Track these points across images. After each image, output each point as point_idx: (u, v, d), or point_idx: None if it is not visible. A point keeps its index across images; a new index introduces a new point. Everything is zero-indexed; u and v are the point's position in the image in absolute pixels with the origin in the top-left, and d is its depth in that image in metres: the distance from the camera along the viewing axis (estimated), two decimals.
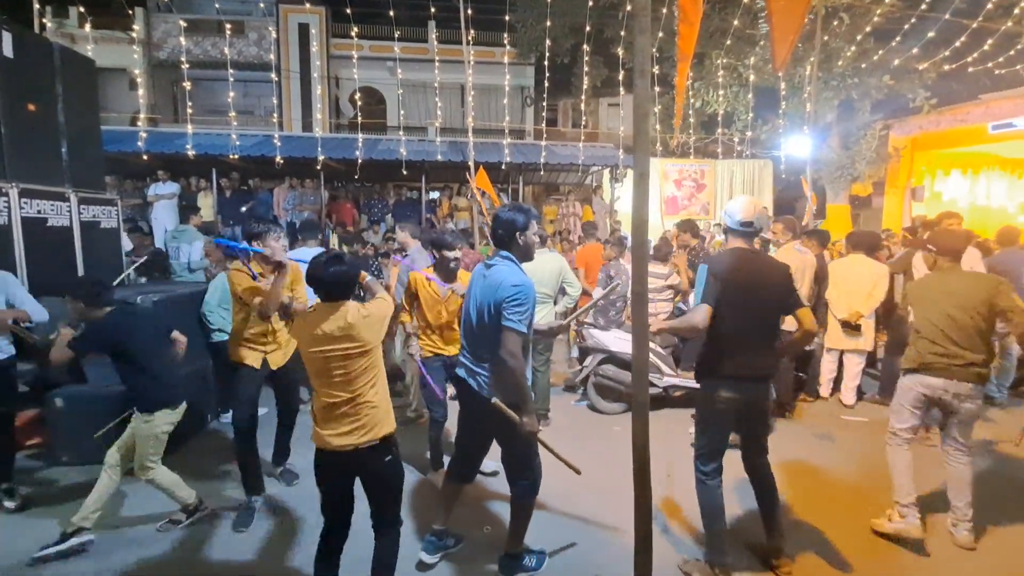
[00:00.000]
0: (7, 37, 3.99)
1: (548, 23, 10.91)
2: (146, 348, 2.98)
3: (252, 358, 3.28)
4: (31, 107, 4.22)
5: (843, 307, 4.89)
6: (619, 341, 4.76)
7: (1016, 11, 8.36)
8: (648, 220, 2.11)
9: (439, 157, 10.28)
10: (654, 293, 4.90)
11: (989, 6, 8.09)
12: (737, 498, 3.14)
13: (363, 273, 2.49)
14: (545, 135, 11.61)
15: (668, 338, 4.95)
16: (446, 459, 3.44)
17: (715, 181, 11.55)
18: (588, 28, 10.33)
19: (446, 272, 3.42)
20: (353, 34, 11.04)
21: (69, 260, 4.46)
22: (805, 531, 3.04)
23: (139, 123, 11.78)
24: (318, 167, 9.52)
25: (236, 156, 9.52)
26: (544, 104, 13.97)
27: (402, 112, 13.69)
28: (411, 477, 3.70)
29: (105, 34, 14.44)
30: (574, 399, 5.29)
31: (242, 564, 2.80)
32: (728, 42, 10.50)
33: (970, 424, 2.96)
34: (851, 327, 4.90)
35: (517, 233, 2.48)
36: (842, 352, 5.08)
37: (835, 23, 9.71)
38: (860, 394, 5.20)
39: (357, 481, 2.30)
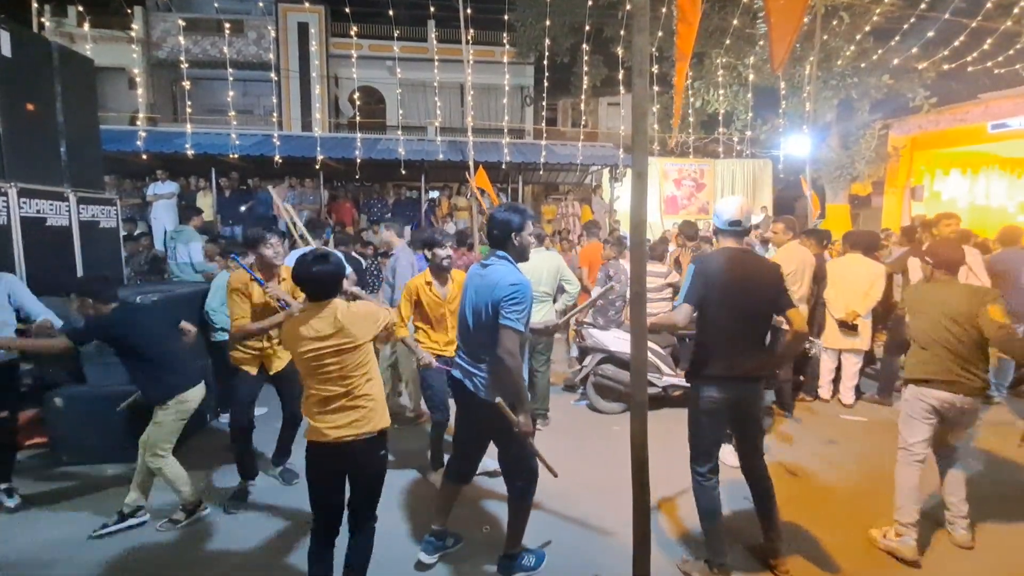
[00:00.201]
0: (6, 36, 3.99)
1: (548, 22, 10.92)
2: (150, 341, 3.01)
3: (249, 363, 3.30)
4: (30, 106, 4.22)
5: (840, 307, 4.89)
6: (618, 341, 4.76)
7: (1015, 11, 8.36)
8: (647, 220, 2.11)
9: (440, 157, 10.28)
10: (653, 292, 4.90)
11: (988, 6, 8.09)
12: (736, 498, 3.15)
13: (353, 289, 2.59)
14: (545, 134, 11.62)
15: (667, 338, 4.95)
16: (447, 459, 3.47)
17: (715, 181, 11.56)
18: (588, 27, 10.34)
19: (439, 270, 3.44)
20: (352, 33, 11.05)
21: (68, 260, 4.46)
22: (804, 531, 3.04)
23: (138, 122, 11.77)
24: (317, 167, 9.52)
25: (235, 155, 9.51)
26: (544, 103, 13.97)
27: (401, 112, 13.69)
28: (411, 477, 3.71)
29: (104, 33, 14.44)
30: (573, 399, 5.29)
31: (242, 562, 2.80)
32: (727, 41, 10.50)
33: (967, 434, 2.96)
34: (848, 327, 4.91)
35: (513, 233, 2.48)
36: (840, 352, 5.08)
37: (834, 22, 9.72)
38: (859, 393, 5.21)
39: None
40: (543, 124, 12.87)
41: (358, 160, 9.53)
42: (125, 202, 8.36)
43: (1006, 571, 2.78)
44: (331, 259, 2.21)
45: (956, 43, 8.87)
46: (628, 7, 8.29)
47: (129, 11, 13.86)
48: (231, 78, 10.79)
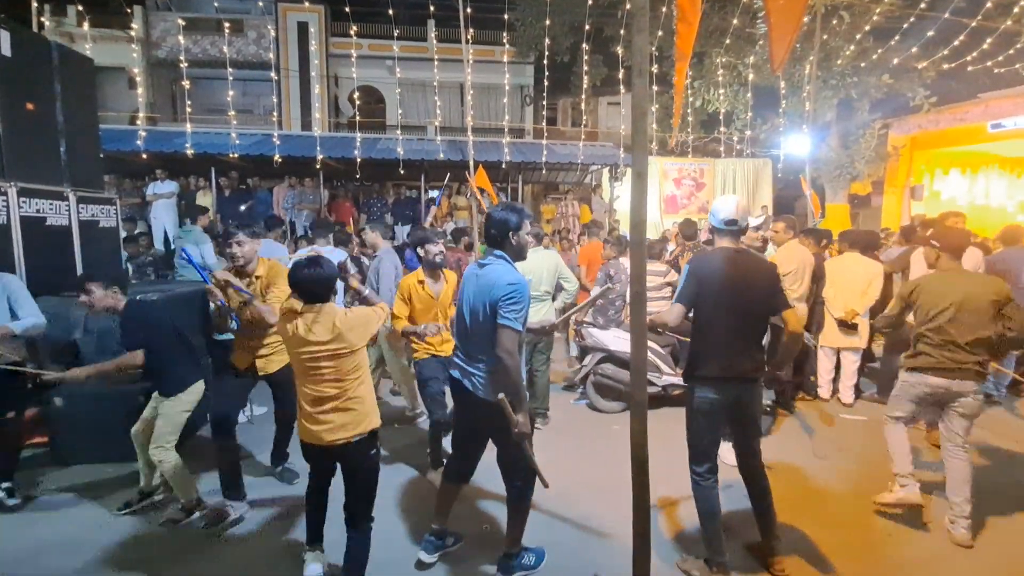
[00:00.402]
0: (5, 36, 3.98)
1: (547, 22, 10.93)
2: (168, 333, 3.12)
3: (240, 359, 3.25)
4: (29, 106, 4.21)
5: (839, 305, 4.89)
6: (618, 340, 4.76)
7: (1015, 10, 8.36)
8: (647, 219, 2.11)
9: (440, 156, 10.27)
10: (653, 291, 4.90)
11: (988, 5, 8.10)
12: (735, 498, 3.15)
13: (354, 283, 2.69)
14: (545, 134, 11.61)
15: (667, 337, 4.96)
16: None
17: (715, 180, 11.56)
18: (587, 27, 10.34)
19: (431, 267, 3.48)
20: (352, 33, 11.04)
21: (68, 259, 4.45)
22: (803, 530, 3.04)
23: (138, 122, 11.77)
24: (317, 166, 9.52)
25: (235, 155, 9.51)
26: (544, 103, 13.97)
27: (401, 111, 13.67)
28: (411, 476, 3.71)
29: (103, 32, 14.44)
30: (573, 398, 5.30)
31: (243, 561, 2.80)
32: (727, 41, 10.50)
33: (970, 419, 3.00)
34: (847, 326, 4.91)
35: (510, 232, 2.48)
36: (839, 350, 5.08)
37: (834, 22, 9.72)
38: (858, 393, 5.21)
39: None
40: (543, 123, 12.86)
41: (358, 160, 9.53)
42: (125, 202, 8.36)
43: (1005, 571, 2.79)
44: (323, 265, 2.32)
45: (956, 43, 8.87)
46: (628, 7, 8.29)
47: (129, 10, 13.86)
48: (231, 77, 10.79)
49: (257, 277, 3.17)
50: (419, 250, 3.51)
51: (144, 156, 9.32)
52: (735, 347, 2.56)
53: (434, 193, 11.82)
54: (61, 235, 4.40)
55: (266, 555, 2.85)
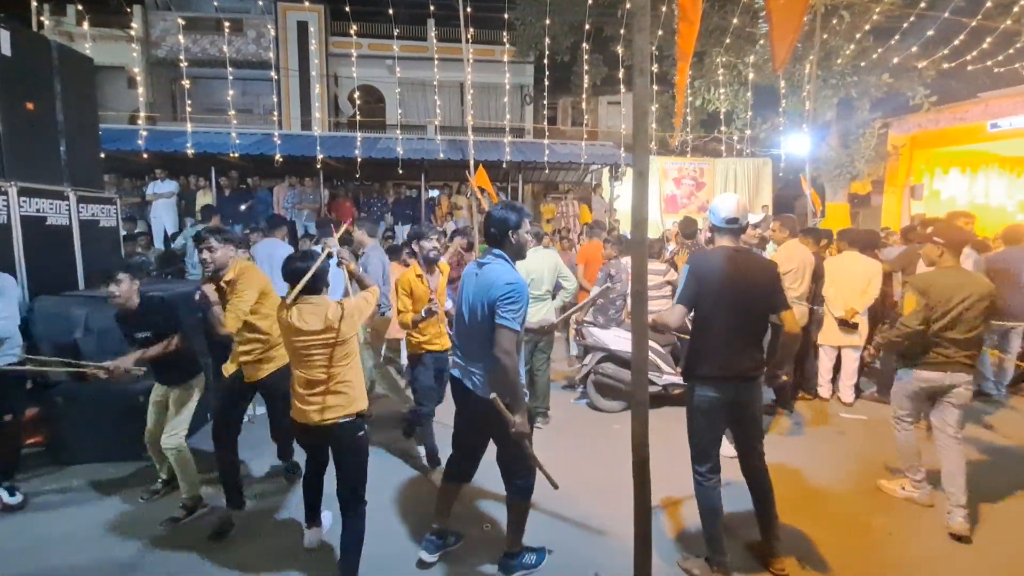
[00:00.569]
0: (5, 35, 3.98)
1: (547, 21, 10.91)
2: (183, 324, 3.23)
3: (227, 366, 3.20)
4: (29, 105, 4.21)
5: (839, 304, 4.90)
6: (618, 339, 4.76)
7: (1015, 9, 8.36)
8: (648, 219, 2.11)
9: (440, 156, 10.27)
10: (653, 290, 4.90)
11: (988, 4, 8.09)
12: (736, 498, 3.15)
13: (351, 266, 2.87)
14: (546, 133, 11.61)
15: (667, 336, 4.96)
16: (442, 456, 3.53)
17: (715, 180, 11.55)
18: (587, 26, 10.33)
19: (428, 263, 3.64)
20: (352, 32, 11.03)
21: (68, 259, 4.45)
22: (803, 530, 3.05)
23: (139, 121, 11.75)
24: (317, 166, 9.51)
25: (235, 155, 9.50)
26: (544, 102, 13.96)
27: (401, 111, 13.66)
28: (411, 476, 3.71)
29: (103, 32, 14.42)
30: (573, 397, 5.30)
31: (245, 559, 2.81)
32: (727, 40, 10.49)
33: (962, 409, 3.09)
34: (848, 324, 4.92)
35: (510, 232, 2.48)
36: (839, 349, 5.09)
37: (834, 21, 9.72)
38: (858, 392, 5.21)
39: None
40: (544, 123, 12.86)
41: (358, 159, 9.53)
42: (124, 201, 8.35)
43: (1006, 569, 2.79)
44: (314, 259, 2.52)
45: (956, 42, 8.87)
46: (628, 6, 8.29)
47: (128, 10, 13.84)
48: (230, 77, 10.78)
49: (227, 282, 3.01)
50: (414, 246, 3.69)
51: (146, 156, 9.30)
52: (735, 346, 2.55)
53: (434, 192, 11.83)
54: (61, 235, 4.40)
55: (267, 555, 2.85)
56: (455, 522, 2.88)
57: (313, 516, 2.89)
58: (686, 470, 2.72)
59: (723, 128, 12.17)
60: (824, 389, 5.21)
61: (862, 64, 10.17)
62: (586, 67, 10.72)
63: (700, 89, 11.80)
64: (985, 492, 3.35)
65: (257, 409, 4.57)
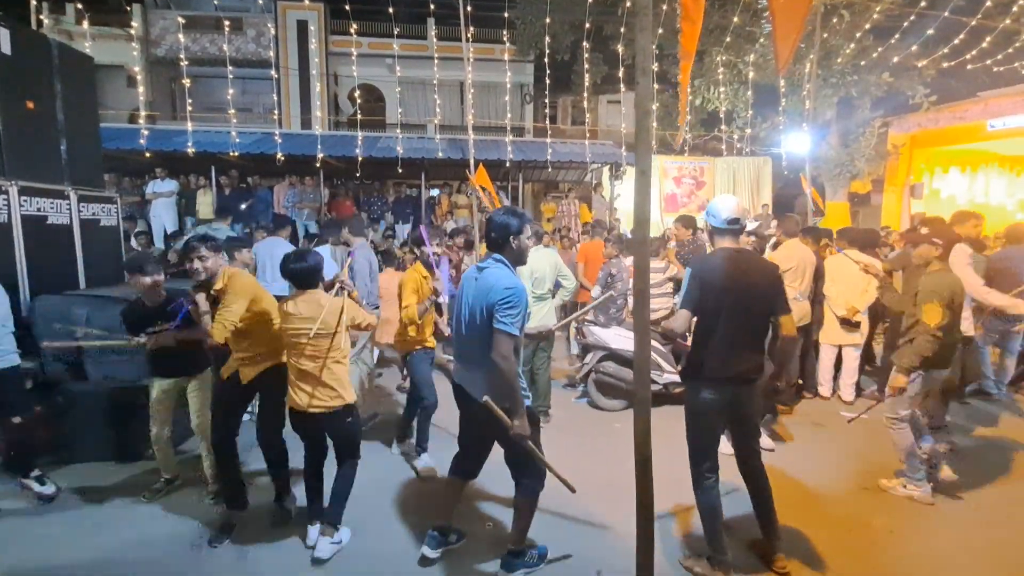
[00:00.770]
0: (5, 34, 3.97)
1: (548, 20, 10.91)
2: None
3: (226, 368, 3.11)
4: (30, 104, 4.20)
5: (841, 303, 4.90)
6: (619, 338, 4.77)
7: (1015, 9, 8.37)
8: (649, 217, 2.11)
9: (440, 155, 10.27)
10: (654, 288, 4.90)
11: (988, 4, 8.10)
12: (736, 497, 3.15)
13: (355, 293, 3.03)
14: (548, 132, 11.60)
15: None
16: (435, 448, 3.73)
17: (715, 179, 11.56)
18: (588, 25, 10.33)
19: (426, 264, 3.81)
20: (352, 31, 11.02)
21: (69, 258, 4.45)
22: (803, 529, 3.05)
23: (139, 120, 11.74)
24: (318, 165, 9.51)
25: (235, 153, 9.50)
26: (545, 101, 13.94)
27: (401, 109, 13.66)
28: (411, 476, 3.72)
29: (103, 31, 14.40)
30: (574, 396, 5.30)
31: (244, 558, 2.81)
32: (728, 39, 10.49)
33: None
34: (849, 323, 4.92)
35: (511, 237, 2.47)
36: (840, 348, 5.09)
37: (835, 20, 9.72)
38: (859, 391, 5.22)
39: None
40: (545, 122, 12.85)
41: (358, 158, 9.52)
42: (125, 200, 8.34)
43: (1007, 568, 2.80)
44: (308, 258, 2.77)
45: (956, 41, 8.88)
46: (628, 5, 8.29)
47: (128, 8, 13.85)
48: (230, 76, 10.77)
49: (218, 291, 2.93)
50: (416, 251, 3.91)
51: (148, 155, 9.28)
52: (735, 347, 2.55)
53: (434, 191, 11.83)
54: (62, 234, 4.40)
55: (267, 554, 2.85)
56: (458, 520, 2.88)
57: (316, 513, 2.92)
58: (686, 469, 2.72)
59: (723, 127, 12.18)
60: (825, 388, 5.22)
61: (862, 63, 10.17)
62: (586, 66, 10.71)
63: (700, 88, 11.80)
64: (985, 491, 3.36)
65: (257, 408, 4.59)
